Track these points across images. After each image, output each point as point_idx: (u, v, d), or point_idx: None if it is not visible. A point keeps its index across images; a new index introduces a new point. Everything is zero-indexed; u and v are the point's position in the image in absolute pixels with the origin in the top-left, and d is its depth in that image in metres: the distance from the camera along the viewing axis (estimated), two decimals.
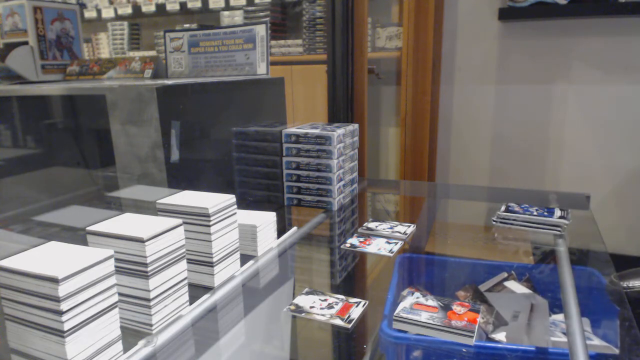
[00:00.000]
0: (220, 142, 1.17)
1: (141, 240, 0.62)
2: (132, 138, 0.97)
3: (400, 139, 2.31)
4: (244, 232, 0.88)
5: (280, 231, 0.99)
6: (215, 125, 1.14)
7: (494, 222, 1.08)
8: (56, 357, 0.54)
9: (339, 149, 1.17)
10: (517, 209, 1.09)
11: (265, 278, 0.87)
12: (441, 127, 2.45)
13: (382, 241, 1.00)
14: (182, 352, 0.64)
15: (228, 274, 0.81)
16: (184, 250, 0.69)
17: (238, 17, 2.78)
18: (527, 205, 1.11)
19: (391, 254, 0.94)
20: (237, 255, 0.83)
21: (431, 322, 0.66)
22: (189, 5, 2.93)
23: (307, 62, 2.50)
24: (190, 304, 0.72)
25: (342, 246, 0.99)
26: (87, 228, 0.65)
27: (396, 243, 0.99)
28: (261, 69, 1.33)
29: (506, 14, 2.17)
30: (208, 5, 2.87)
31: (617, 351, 0.73)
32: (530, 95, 2.25)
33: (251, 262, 0.88)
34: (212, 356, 0.67)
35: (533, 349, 0.64)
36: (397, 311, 0.69)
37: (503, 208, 1.10)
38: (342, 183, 1.22)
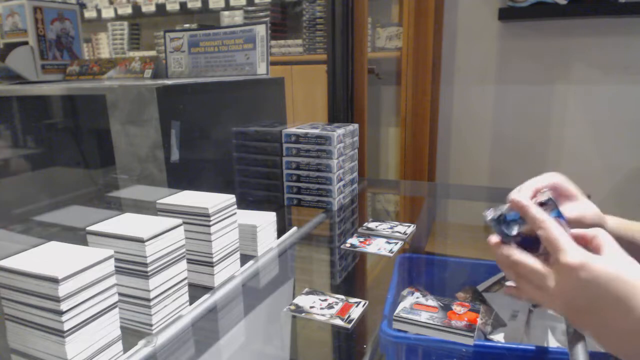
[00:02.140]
0: (220, 142, 1.17)
1: (141, 240, 0.62)
2: (132, 138, 0.97)
3: (400, 139, 2.31)
4: (244, 232, 0.88)
5: (280, 231, 0.99)
6: (215, 125, 1.14)
7: None
8: (56, 357, 0.54)
9: (339, 149, 1.17)
10: None
11: (265, 278, 0.87)
12: (441, 127, 2.45)
13: (382, 241, 1.00)
14: (182, 352, 0.64)
15: (228, 274, 0.81)
16: (184, 250, 0.69)
17: (238, 17, 2.78)
18: None
19: (391, 254, 0.94)
20: (237, 255, 0.84)
21: (431, 322, 0.66)
22: (189, 5, 2.93)
23: (307, 62, 2.50)
24: (190, 304, 0.72)
25: (342, 246, 0.99)
26: (87, 228, 0.65)
27: (396, 243, 0.99)
28: (261, 69, 1.33)
29: (506, 14, 2.17)
30: (208, 5, 2.86)
31: None
32: (530, 95, 2.25)
33: (251, 262, 0.88)
34: (212, 356, 0.67)
35: (533, 348, 0.64)
36: (397, 311, 0.69)
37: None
38: (342, 183, 1.22)
